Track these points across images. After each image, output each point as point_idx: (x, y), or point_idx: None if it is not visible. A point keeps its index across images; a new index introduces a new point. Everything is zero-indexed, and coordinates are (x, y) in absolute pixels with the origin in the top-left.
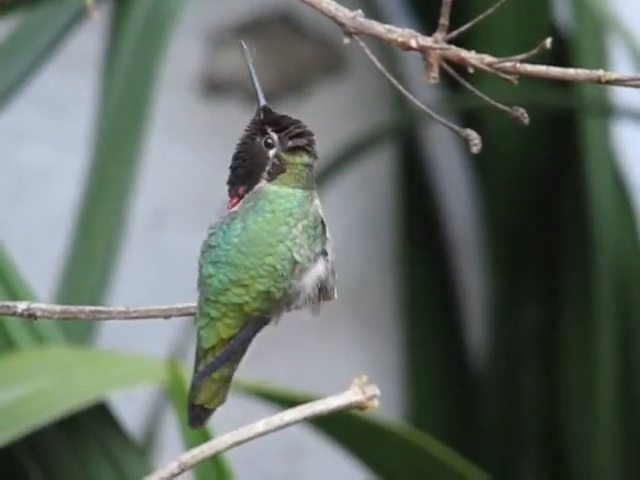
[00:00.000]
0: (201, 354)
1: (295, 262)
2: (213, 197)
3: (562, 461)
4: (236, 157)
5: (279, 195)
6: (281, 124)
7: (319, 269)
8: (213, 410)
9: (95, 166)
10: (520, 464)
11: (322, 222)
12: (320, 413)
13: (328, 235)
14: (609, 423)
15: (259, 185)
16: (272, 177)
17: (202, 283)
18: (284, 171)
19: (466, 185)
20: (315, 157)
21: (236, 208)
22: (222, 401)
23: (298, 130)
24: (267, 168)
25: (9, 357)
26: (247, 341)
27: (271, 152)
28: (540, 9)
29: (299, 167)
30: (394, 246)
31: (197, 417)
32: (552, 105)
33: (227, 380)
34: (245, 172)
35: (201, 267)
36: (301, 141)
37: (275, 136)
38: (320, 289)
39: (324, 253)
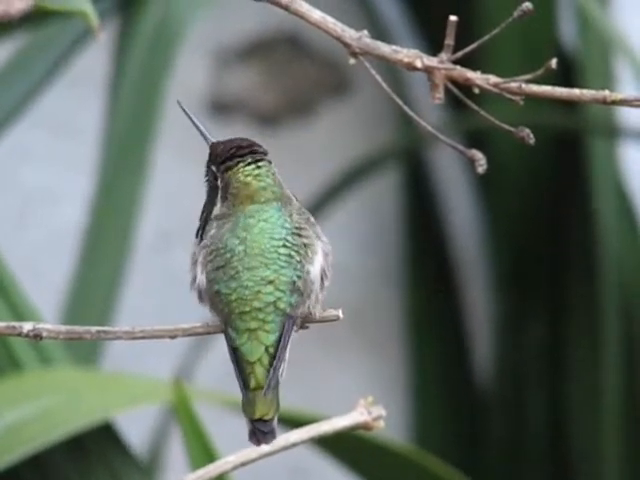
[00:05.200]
0: (248, 369)
1: (304, 245)
2: None
3: (569, 479)
4: (204, 201)
5: (254, 210)
6: (218, 154)
7: (320, 257)
8: (272, 420)
9: (102, 186)
10: None
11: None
12: (326, 434)
13: (312, 219)
14: (615, 440)
15: (216, 210)
16: (224, 198)
17: (222, 308)
18: (228, 189)
19: (471, 205)
20: (258, 165)
21: (213, 232)
22: (277, 409)
23: (227, 153)
24: (218, 195)
25: (15, 377)
26: (288, 342)
27: (218, 183)
28: (545, 30)
29: (245, 184)
30: (400, 265)
31: (259, 431)
32: (557, 125)
33: (276, 387)
34: (208, 208)
35: (215, 295)
36: (233, 162)
37: (214, 168)
38: (322, 280)
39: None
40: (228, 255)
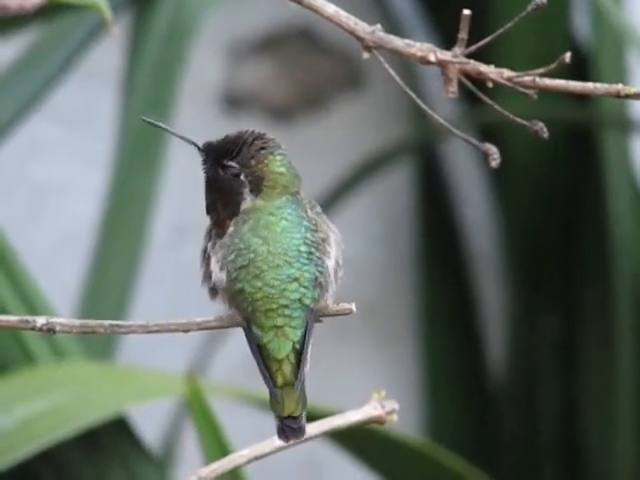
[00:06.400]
0: (275, 366)
1: (322, 240)
2: None
3: (581, 475)
4: (210, 198)
5: (274, 207)
6: (231, 149)
7: (334, 249)
8: (301, 416)
9: (116, 181)
10: (538, 477)
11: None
12: (339, 428)
13: (319, 208)
14: (628, 435)
15: (247, 204)
16: (257, 191)
17: (246, 306)
18: (263, 181)
19: (485, 199)
20: (282, 154)
21: (231, 229)
22: (305, 405)
23: (254, 146)
24: (246, 189)
25: (29, 372)
26: (311, 336)
27: (242, 177)
28: (559, 23)
29: (280, 174)
30: (413, 260)
31: (289, 427)
32: (571, 119)
33: (303, 382)
34: (225, 204)
35: (237, 293)
36: (261, 153)
37: (234, 163)
38: (335, 272)
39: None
40: (252, 255)
